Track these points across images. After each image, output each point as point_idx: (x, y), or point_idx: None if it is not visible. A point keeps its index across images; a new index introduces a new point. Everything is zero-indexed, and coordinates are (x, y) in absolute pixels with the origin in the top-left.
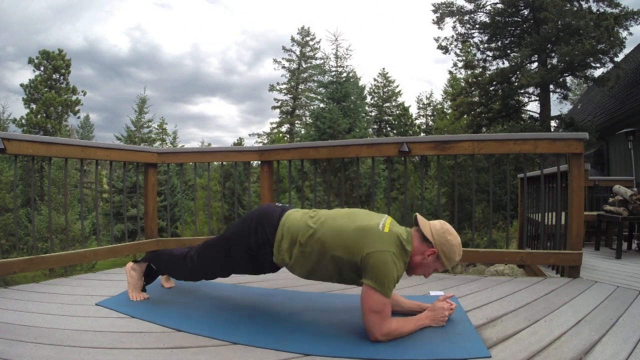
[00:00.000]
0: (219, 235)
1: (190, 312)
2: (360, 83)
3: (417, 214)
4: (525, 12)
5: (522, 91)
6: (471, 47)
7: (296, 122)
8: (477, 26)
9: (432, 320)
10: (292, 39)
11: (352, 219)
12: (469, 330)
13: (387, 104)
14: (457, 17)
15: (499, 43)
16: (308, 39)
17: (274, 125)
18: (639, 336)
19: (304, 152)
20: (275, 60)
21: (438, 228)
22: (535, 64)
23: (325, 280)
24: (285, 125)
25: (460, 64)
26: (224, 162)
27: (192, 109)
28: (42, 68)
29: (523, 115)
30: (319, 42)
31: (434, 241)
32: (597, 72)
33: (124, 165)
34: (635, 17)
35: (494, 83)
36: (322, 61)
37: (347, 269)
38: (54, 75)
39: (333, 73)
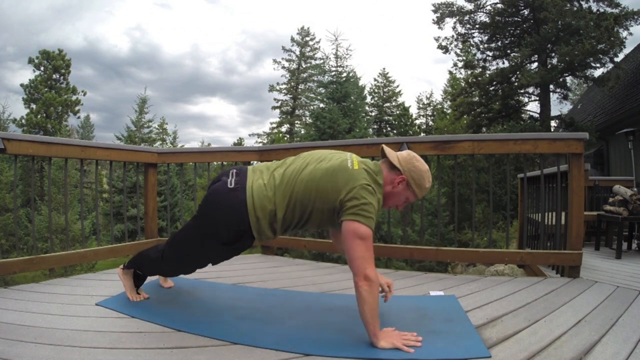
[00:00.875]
0: (182, 235)
1: (190, 312)
2: (360, 83)
3: (383, 145)
4: (525, 12)
5: (522, 91)
6: (471, 47)
7: (296, 122)
8: (477, 26)
9: (393, 344)
10: (292, 39)
11: (317, 164)
12: (469, 330)
13: (387, 104)
14: (457, 17)
15: (499, 43)
16: (308, 39)
17: (274, 125)
18: (639, 336)
19: (304, 152)
20: (275, 61)
21: (405, 156)
22: (535, 64)
23: (310, 230)
24: (285, 125)
25: (460, 64)
26: (224, 162)
27: (192, 109)
28: (42, 68)
29: (523, 115)
30: (318, 42)
31: (402, 168)
32: (597, 72)
33: (124, 165)
34: (635, 17)
35: (494, 83)
36: (322, 61)
37: (328, 216)
38: (54, 75)
39: (333, 73)
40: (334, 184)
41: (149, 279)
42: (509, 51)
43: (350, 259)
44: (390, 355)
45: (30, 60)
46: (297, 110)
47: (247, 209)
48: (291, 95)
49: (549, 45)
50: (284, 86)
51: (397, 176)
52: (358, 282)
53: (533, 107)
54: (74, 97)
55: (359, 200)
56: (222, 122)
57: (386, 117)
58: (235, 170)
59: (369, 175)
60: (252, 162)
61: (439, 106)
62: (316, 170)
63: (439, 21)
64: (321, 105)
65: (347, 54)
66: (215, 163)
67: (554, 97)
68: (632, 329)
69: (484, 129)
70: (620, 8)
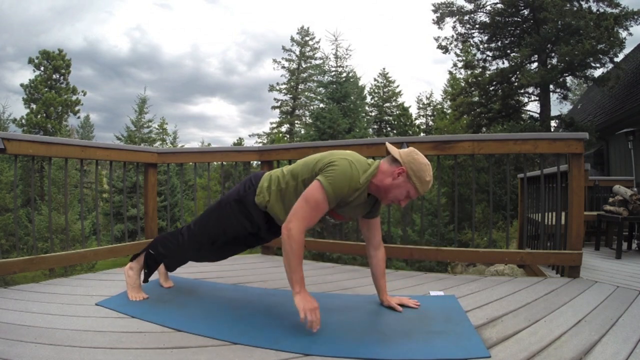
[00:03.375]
0: (210, 208)
1: (190, 312)
2: (360, 83)
3: (387, 142)
4: (525, 12)
5: (522, 91)
6: (471, 47)
7: (296, 122)
8: (477, 26)
9: (302, 308)
10: (292, 39)
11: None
12: (469, 330)
13: (387, 104)
14: (457, 17)
15: (499, 43)
16: (308, 39)
17: (274, 126)
18: (639, 336)
19: (304, 152)
20: (275, 60)
21: (406, 150)
22: (535, 64)
23: None
24: (285, 125)
25: (460, 64)
26: (224, 162)
27: (192, 109)
28: (42, 68)
29: (523, 115)
30: (318, 42)
31: (402, 160)
32: (597, 72)
33: (124, 165)
34: (635, 17)
35: (494, 83)
36: (321, 61)
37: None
38: (54, 75)
39: (333, 73)
40: (317, 158)
41: (150, 279)
42: (509, 51)
43: (293, 207)
44: (390, 355)
45: (30, 61)
46: (297, 110)
47: (265, 173)
48: (291, 95)
49: (549, 45)
50: (284, 86)
51: (397, 168)
52: (283, 229)
53: (533, 107)
54: (74, 97)
55: (331, 166)
56: (222, 122)
57: (386, 117)
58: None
59: (360, 157)
60: (252, 162)
61: (439, 106)
62: (315, 155)
63: (439, 21)
64: (321, 105)
65: (347, 54)
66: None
67: (554, 97)
68: (632, 329)
69: (484, 129)
70: (620, 8)
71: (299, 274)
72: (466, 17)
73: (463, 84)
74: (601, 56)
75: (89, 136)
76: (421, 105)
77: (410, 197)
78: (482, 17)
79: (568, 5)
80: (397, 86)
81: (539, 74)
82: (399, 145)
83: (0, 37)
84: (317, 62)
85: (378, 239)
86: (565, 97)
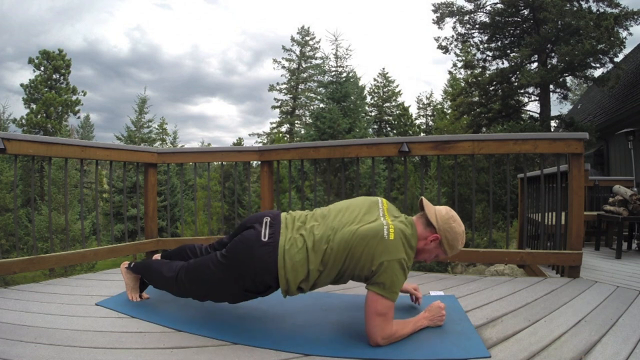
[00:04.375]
0: (204, 270)
1: (190, 312)
2: (360, 83)
3: (423, 197)
4: (525, 12)
5: (522, 91)
6: (471, 47)
7: (296, 122)
8: (477, 26)
9: (430, 320)
10: (292, 39)
11: (352, 225)
12: (469, 330)
13: (387, 104)
14: (457, 17)
15: (499, 43)
16: (308, 38)
17: (274, 125)
18: (639, 336)
19: (304, 152)
20: (275, 60)
21: (444, 214)
22: (535, 64)
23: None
24: (285, 125)
25: (460, 64)
26: (223, 162)
27: (192, 109)
28: (42, 68)
29: (523, 115)
30: (318, 42)
31: (438, 227)
32: (597, 72)
33: (124, 165)
34: (635, 17)
35: (494, 83)
36: (321, 61)
37: (358, 278)
38: (54, 76)
39: (333, 73)
40: (368, 254)
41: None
42: (508, 51)
43: (367, 325)
44: (390, 356)
45: (30, 61)
46: (297, 110)
47: (278, 270)
48: (291, 95)
49: (549, 45)
50: (284, 86)
51: (431, 234)
52: (374, 345)
53: (533, 107)
54: (74, 97)
55: (389, 277)
56: (222, 122)
57: (386, 117)
58: (269, 220)
59: (404, 245)
60: (252, 162)
61: (439, 106)
62: (353, 236)
63: (439, 21)
64: (321, 105)
65: (347, 54)
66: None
67: (554, 97)
68: (632, 329)
69: (484, 129)
70: (620, 8)
71: (409, 329)
72: (466, 17)
73: (463, 84)
74: (601, 56)
75: (89, 136)
76: (421, 105)
77: (437, 258)
78: (482, 17)
79: (568, 5)
80: (397, 86)
81: (539, 74)
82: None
83: (1, 38)
84: (317, 62)
85: None
86: (565, 97)
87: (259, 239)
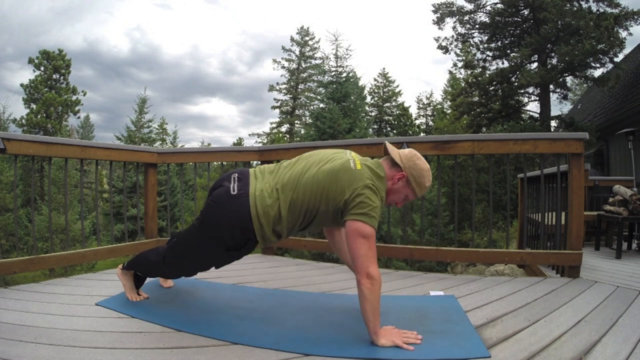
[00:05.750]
0: (184, 240)
1: (190, 312)
2: (360, 83)
3: (386, 141)
4: (525, 12)
5: (522, 91)
6: (471, 47)
7: (296, 122)
8: (477, 26)
9: (393, 342)
10: (292, 39)
11: (319, 166)
12: (468, 330)
13: (387, 104)
14: (457, 17)
15: (499, 43)
16: (307, 39)
17: (274, 125)
18: (639, 336)
19: (304, 152)
20: (274, 60)
21: (407, 153)
22: (535, 64)
23: (312, 231)
24: (285, 125)
25: (460, 64)
26: (224, 162)
27: (192, 109)
28: (42, 68)
29: (523, 115)
30: (318, 42)
31: (403, 165)
32: (597, 72)
33: (124, 165)
34: (635, 17)
35: (494, 83)
36: (321, 61)
37: (332, 216)
38: (54, 76)
39: (333, 73)
40: (338, 185)
41: (149, 278)
42: (508, 51)
43: (354, 257)
44: (390, 355)
45: (30, 61)
46: (297, 110)
47: (251, 217)
48: (291, 95)
49: (548, 45)
50: (283, 86)
51: (397, 173)
52: (360, 280)
53: (533, 107)
54: (74, 97)
55: (362, 200)
56: (222, 122)
57: (386, 117)
58: (237, 175)
59: (372, 172)
60: (252, 162)
61: (439, 106)
62: (319, 173)
63: (439, 21)
64: (321, 105)
65: (347, 54)
66: (215, 163)
67: (554, 97)
68: (632, 329)
69: (484, 129)
70: (620, 8)
71: (378, 319)
72: (466, 17)
73: (463, 84)
74: (601, 56)
75: (89, 136)
76: (421, 105)
77: (408, 199)
78: (482, 17)
79: (568, 5)
80: (397, 86)
81: (539, 74)
82: (397, 146)
83: (1, 38)
84: (317, 62)
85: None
86: (565, 97)
87: (228, 193)
